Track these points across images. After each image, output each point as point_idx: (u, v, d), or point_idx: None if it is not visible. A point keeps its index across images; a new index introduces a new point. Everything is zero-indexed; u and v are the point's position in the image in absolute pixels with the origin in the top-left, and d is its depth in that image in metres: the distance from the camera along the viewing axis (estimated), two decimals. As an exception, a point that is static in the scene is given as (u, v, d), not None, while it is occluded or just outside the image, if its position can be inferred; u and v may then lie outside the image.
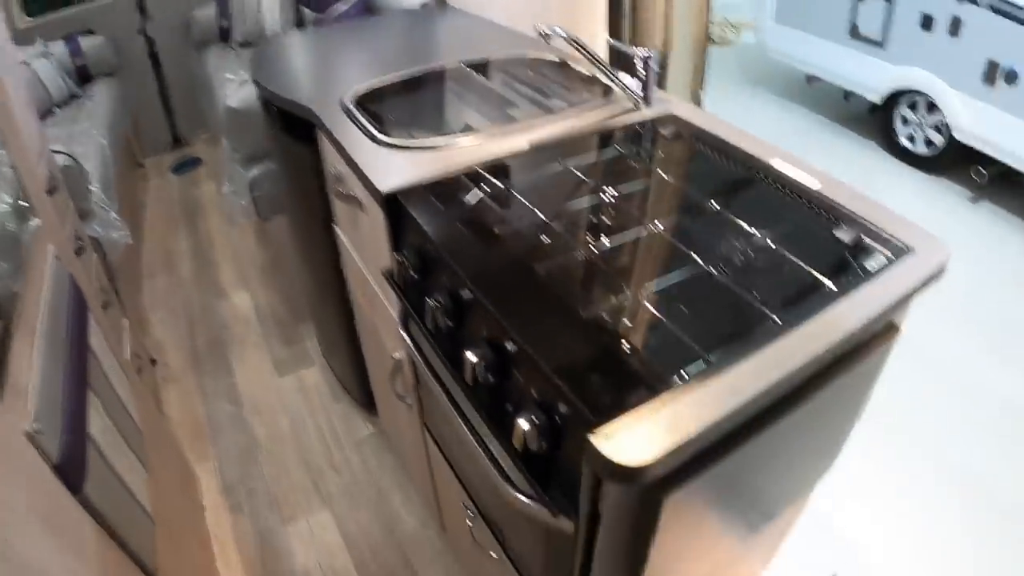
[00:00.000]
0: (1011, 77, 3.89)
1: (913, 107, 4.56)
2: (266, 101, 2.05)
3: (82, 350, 1.48)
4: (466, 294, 1.13)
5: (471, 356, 1.05)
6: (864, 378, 1.23)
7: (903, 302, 1.15)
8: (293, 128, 1.93)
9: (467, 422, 1.16)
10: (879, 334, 1.20)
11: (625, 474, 0.82)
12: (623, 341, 1.00)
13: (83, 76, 4.20)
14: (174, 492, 1.99)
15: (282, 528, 2.25)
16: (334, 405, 2.68)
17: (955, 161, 4.41)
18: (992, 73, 3.98)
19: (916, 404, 2.83)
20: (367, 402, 2.50)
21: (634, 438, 0.84)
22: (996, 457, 2.62)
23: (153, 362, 2.83)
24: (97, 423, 1.39)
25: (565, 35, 1.53)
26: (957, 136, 4.25)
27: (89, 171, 2.81)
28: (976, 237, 4.01)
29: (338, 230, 1.92)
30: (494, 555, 1.50)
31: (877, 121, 4.92)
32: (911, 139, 4.64)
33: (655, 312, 1.06)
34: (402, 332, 1.36)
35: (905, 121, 4.64)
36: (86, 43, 4.23)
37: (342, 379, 2.67)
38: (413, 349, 1.30)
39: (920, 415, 2.79)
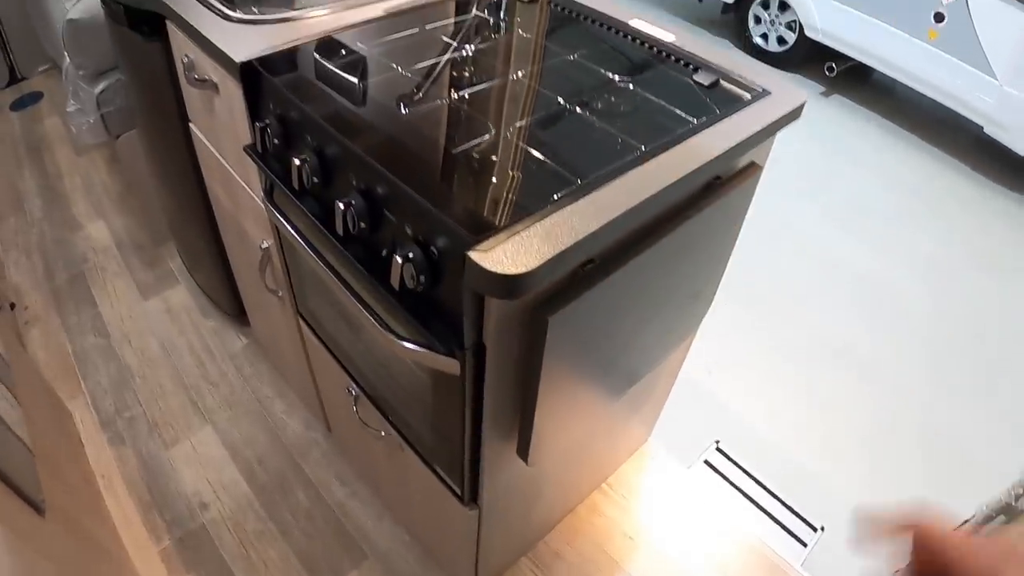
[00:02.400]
0: (860, -25, 4.04)
1: (765, 6, 4.67)
2: (108, 1, 1.93)
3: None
4: (332, 149, 1.10)
5: (340, 204, 1.02)
6: (729, 212, 1.27)
7: (763, 138, 1.19)
8: (139, 27, 1.82)
9: (341, 279, 1.13)
10: (742, 171, 1.24)
11: (507, 286, 0.82)
12: (494, 171, 1.00)
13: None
14: (50, 431, 1.91)
15: (166, 452, 2.19)
16: (205, 321, 2.60)
17: (807, 58, 4.57)
18: (842, -28, 4.13)
19: (781, 278, 2.99)
20: (238, 313, 2.44)
21: (513, 251, 0.84)
22: (855, 321, 2.82)
23: (12, 306, 2.68)
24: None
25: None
26: (809, 34, 4.40)
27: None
28: (830, 127, 4.20)
29: (194, 128, 1.84)
30: (383, 433, 1.50)
31: (731, 21, 5.04)
32: (764, 37, 4.77)
33: (524, 145, 1.05)
34: (267, 206, 1.32)
35: (758, 20, 4.75)
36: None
37: (210, 293, 2.59)
38: (280, 218, 1.26)
39: (786, 288, 2.96)
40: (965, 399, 2.58)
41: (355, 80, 1.21)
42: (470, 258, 0.83)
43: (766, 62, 4.78)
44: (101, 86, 2.67)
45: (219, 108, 1.54)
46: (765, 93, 1.25)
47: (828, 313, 2.87)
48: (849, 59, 4.35)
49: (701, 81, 1.25)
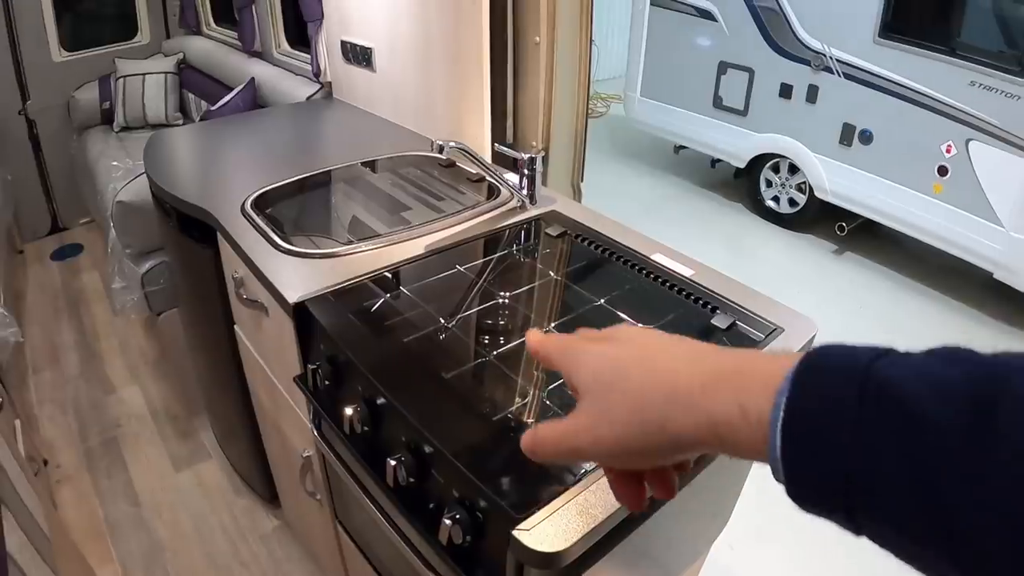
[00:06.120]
0: (866, 138, 4.22)
1: (776, 169, 4.86)
2: (160, 199, 2.06)
3: (-11, 463, 1.46)
4: (382, 401, 1.20)
5: (391, 461, 1.12)
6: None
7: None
8: (189, 226, 1.95)
9: (389, 520, 1.22)
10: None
11: (548, 561, 0.91)
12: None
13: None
14: (83, 602, 1.95)
15: (195, 631, 2.23)
16: (236, 500, 2.65)
17: (818, 218, 4.73)
18: (848, 135, 4.32)
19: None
20: (270, 495, 2.48)
21: (552, 529, 0.92)
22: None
23: (45, 462, 2.75)
24: (13, 539, 1.37)
25: (458, 146, 1.63)
26: (818, 195, 4.56)
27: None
28: (844, 286, 4.29)
29: (240, 332, 1.95)
30: (416, 643, 1.55)
31: (743, 184, 5.24)
32: (776, 200, 4.95)
33: (558, 410, 1.15)
34: (316, 435, 1.41)
35: (769, 183, 4.95)
36: (-35, 123, 4.09)
37: (242, 472, 2.65)
38: (329, 452, 1.35)
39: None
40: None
41: (402, 334, 1.32)
42: (514, 537, 0.91)
43: (778, 224, 4.97)
44: (147, 266, 2.79)
45: (268, 329, 1.65)
46: (779, 330, 1.34)
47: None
48: (859, 216, 4.51)
49: (719, 324, 1.35)
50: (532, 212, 1.77)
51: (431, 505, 1.12)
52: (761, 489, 2.27)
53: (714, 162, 5.50)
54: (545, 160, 1.80)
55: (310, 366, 1.35)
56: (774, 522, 2.66)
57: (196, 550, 2.47)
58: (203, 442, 2.93)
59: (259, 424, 2.15)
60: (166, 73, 4.41)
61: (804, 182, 4.67)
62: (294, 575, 2.37)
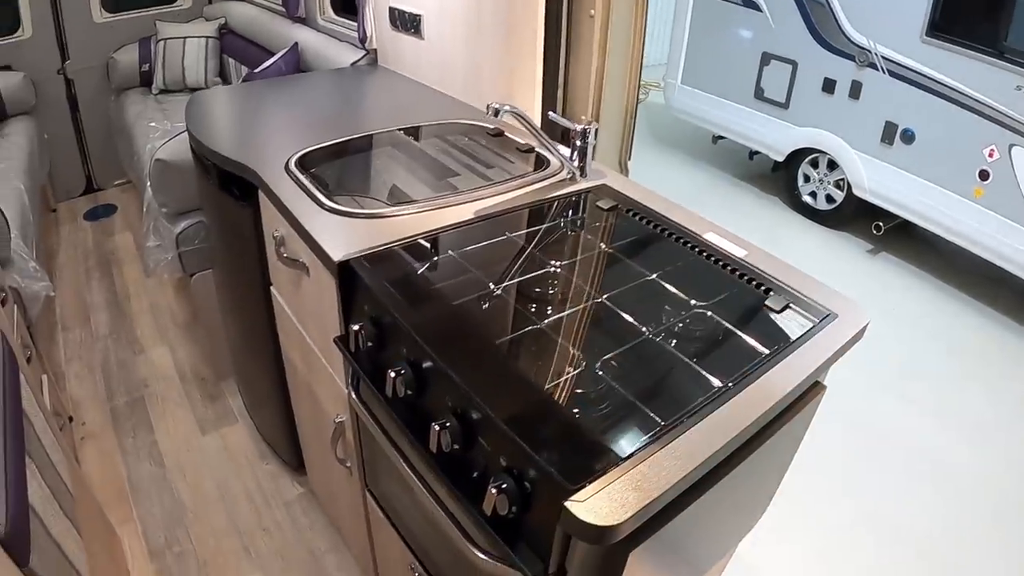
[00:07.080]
0: (908, 137, 4.15)
1: (815, 165, 4.80)
2: (201, 157, 2.04)
3: (17, 413, 1.44)
4: (428, 364, 1.17)
5: (435, 426, 1.09)
6: (794, 432, 1.31)
7: (829, 363, 1.24)
8: (229, 185, 1.93)
9: (428, 488, 1.19)
10: (807, 392, 1.29)
11: (599, 535, 0.88)
12: (585, 409, 1.06)
13: None
14: (102, 557, 1.94)
15: (213, 595, 2.22)
16: (261, 465, 2.65)
17: (854, 216, 4.66)
18: (890, 133, 4.25)
19: (830, 450, 2.97)
20: (296, 462, 2.47)
21: (607, 502, 0.89)
22: (905, 495, 2.78)
23: (70, 419, 2.75)
24: (36, 491, 1.36)
25: (513, 110, 1.60)
26: (856, 192, 4.50)
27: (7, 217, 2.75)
28: (877, 287, 4.23)
29: (276, 293, 1.93)
30: (446, 614, 1.52)
31: (780, 178, 5.18)
32: (813, 195, 4.89)
33: (610, 381, 1.11)
34: (353, 398, 1.39)
35: (807, 178, 4.89)
36: (4, 79, 4.08)
37: (268, 437, 2.64)
38: (367, 415, 1.32)
39: (834, 459, 2.93)
40: None
41: (451, 297, 1.29)
42: (567, 508, 0.88)
43: (814, 219, 4.92)
44: (182, 226, 2.77)
45: (307, 289, 1.63)
46: (832, 316, 1.31)
47: (878, 484, 2.84)
48: (896, 217, 4.44)
49: (772, 306, 1.32)
50: (582, 184, 1.74)
51: (475, 474, 1.09)
52: (785, 486, 2.26)
53: (752, 154, 5.44)
54: (595, 134, 1.76)
55: (352, 327, 1.32)
56: (797, 519, 2.63)
57: (218, 513, 2.47)
58: (230, 406, 2.93)
59: (290, 388, 2.14)
60: (207, 37, 4.40)
61: (842, 179, 4.61)
62: (316, 543, 2.36)
